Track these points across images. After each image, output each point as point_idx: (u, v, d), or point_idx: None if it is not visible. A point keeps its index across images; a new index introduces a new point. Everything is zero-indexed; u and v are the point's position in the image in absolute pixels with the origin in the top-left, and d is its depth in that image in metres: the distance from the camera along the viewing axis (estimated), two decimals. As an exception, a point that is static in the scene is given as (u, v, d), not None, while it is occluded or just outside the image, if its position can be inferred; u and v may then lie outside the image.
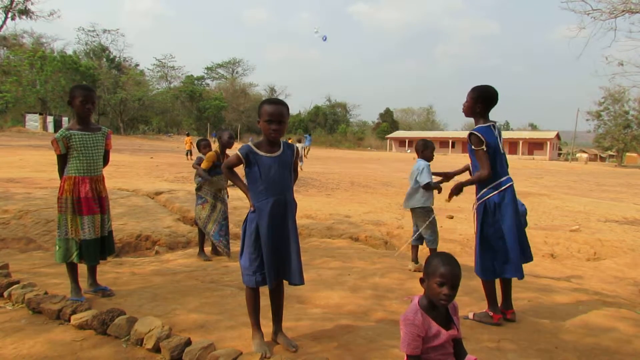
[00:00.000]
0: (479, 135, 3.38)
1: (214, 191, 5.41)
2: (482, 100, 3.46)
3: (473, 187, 3.61)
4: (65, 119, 41.83)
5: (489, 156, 3.39)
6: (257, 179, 2.74)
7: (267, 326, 2.93)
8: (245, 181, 2.84)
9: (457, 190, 3.61)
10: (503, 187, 3.43)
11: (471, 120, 3.62)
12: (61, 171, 3.63)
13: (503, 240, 3.41)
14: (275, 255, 2.76)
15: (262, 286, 2.80)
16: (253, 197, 2.77)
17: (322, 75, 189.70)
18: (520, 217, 3.62)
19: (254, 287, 2.81)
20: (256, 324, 2.84)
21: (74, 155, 3.57)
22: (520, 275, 3.45)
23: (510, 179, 3.50)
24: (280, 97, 74.81)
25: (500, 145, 3.49)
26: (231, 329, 3.05)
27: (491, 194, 3.43)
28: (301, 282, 2.83)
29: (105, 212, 3.78)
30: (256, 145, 2.78)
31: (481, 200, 3.48)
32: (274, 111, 2.71)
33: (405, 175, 21.60)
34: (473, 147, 3.42)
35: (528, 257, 3.58)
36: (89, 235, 3.61)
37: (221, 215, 5.42)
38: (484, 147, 3.36)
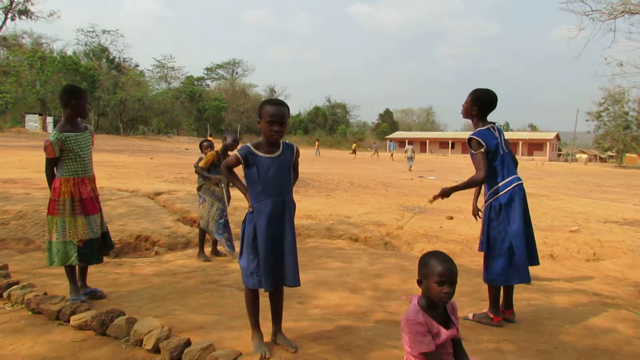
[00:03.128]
0: (478, 139, 3.38)
1: (212, 190, 5.43)
2: (479, 103, 3.46)
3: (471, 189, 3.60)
4: (65, 120, 41.67)
5: (489, 159, 3.38)
6: (255, 179, 2.74)
7: (266, 327, 2.93)
8: (244, 182, 2.85)
9: (444, 194, 3.51)
10: (510, 187, 3.41)
11: (469, 120, 3.62)
12: (51, 173, 3.58)
13: (510, 244, 3.37)
14: (273, 257, 2.74)
15: (261, 288, 2.79)
16: (252, 198, 2.77)
17: (322, 75, 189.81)
18: (530, 218, 3.60)
19: (253, 288, 2.81)
20: (255, 325, 2.84)
21: (70, 157, 3.52)
22: (528, 280, 3.44)
23: (518, 179, 3.47)
24: (280, 98, 74.93)
25: (503, 146, 3.48)
26: (231, 330, 3.05)
27: (497, 195, 3.41)
28: (296, 283, 2.81)
29: (100, 209, 3.80)
30: (255, 145, 2.77)
31: (487, 202, 3.47)
32: (276, 112, 2.69)
33: (405, 175, 21.57)
34: (472, 151, 3.42)
35: (534, 261, 3.57)
36: (93, 234, 3.62)
37: (218, 213, 5.43)
38: (482, 150, 3.36)
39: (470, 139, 3.42)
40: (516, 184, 3.44)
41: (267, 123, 2.70)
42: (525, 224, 3.43)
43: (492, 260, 3.43)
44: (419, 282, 2.11)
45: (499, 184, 3.42)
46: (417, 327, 2.00)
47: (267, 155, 2.75)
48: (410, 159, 24.62)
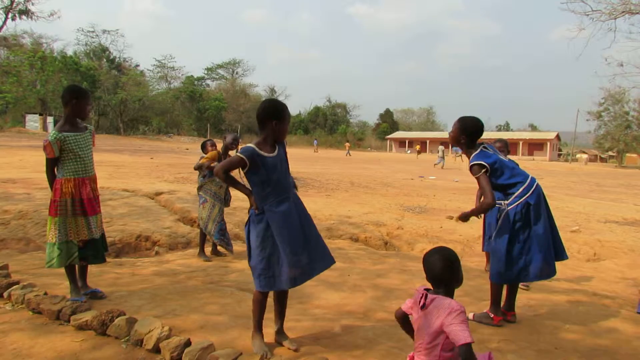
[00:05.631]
0: (478, 164, 3.38)
1: (214, 190, 5.42)
2: (467, 132, 3.47)
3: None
4: (65, 120, 41.64)
5: (498, 173, 3.41)
6: (264, 181, 2.71)
7: (267, 326, 2.92)
8: (243, 182, 2.82)
9: (463, 218, 3.53)
10: (532, 189, 3.45)
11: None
12: (51, 174, 3.56)
13: (532, 244, 3.41)
14: (298, 254, 2.72)
15: (277, 289, 2.77)
16: (259, 200, 2.73)
17: (322, 75, 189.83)
18: (552, 216, 3.62)
19: (264, 291, 2.77)
20: (259, 325, 2.83)
21: (70, 157, 3.51)
22: (554, 272, 3.50)
23: (534, 179, 3.53)
24: (280, 98, 75.12)
25: (500, 156, 3.52)
26: (231, 330, 3.05)
27: (521, 200, 3.42)
28: (333, 261, 2.93)
29: (100, 210, 3.80)
30: (258, 146, 2.75)
31: (512, 206, 3.45)
32: (289, 113, 2.87)
33: (406, 175, 21.51)
34: (475, 175, 3.41)
35: (561, 254, 3.61)
36: (92, 235, 3.63)
37: (220, 214, 5.43)
38: (484, 171, 3.35)
39: (471, 167, 3.41)
40: (536, 183, 3.49)
41: (288, 124, 2.82)
42: (549, 222, 3.51)
43: (507, 260, 3.43)
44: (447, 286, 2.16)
45: (521, 190, 3.44)
46: (465, 315, 1.99)
47: (271, 155, 2.75)
48: (442, 158, 27.51)
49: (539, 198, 3.46)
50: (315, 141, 54.44)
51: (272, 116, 2.76)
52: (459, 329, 1.92)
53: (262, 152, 2.73)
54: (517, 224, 3.42)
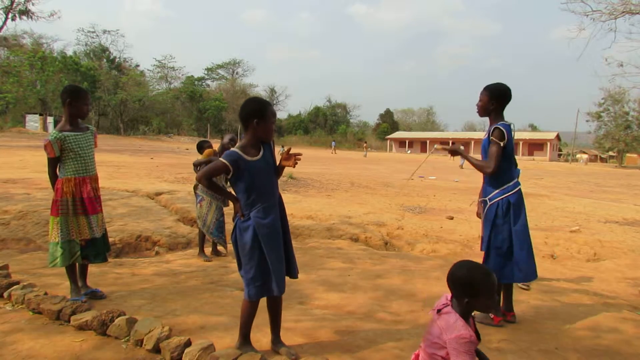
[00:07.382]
0: (503, 130, 3.34)
1: None
2: (497, 97, 3.42)
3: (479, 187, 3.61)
4: (65, 120, 41.64)
5: (503, 156, 3.38)
6: (248, 187, 2.63)
7: (261, 331, 2.92)
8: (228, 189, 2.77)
9: (453, 150, 3.46)
10: (517, 188, 3.46)
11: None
12: (53, 174, 3.58)
13: (510, 243, 3.41)
14: (282, 261, 2.72)
15: (269, 295, 2.72)
16: (245, 207, 2.67)
17: (322, 75, 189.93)
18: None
19: (256, 300, 2.72)
20: (248, 335, 2.77)
21: (70, 156, 3.53)
22: (535, 276, 3.48)
23: (519, 182, 3.54)
24: (281, 98, 75.12)
25: (513, 145, 3.51)
26: (231, 330, 3.05)
27: (507, 194, 3.43)
28: (297, 275, 2.89)
29: (102, 210, 3.80)
30: (243, 150, 2.65)
31: (493, 201, 3.47)
32: (275, 112, 2.77)
33: (406, 175, 21.52)
34: (494, 139, 3.35)
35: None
36: (97, 233, 3.65)
37: (218, 211, 5.44)
38: (502, 143, 3.33)
39: (495, 128, 3.35)
40: (519, 186, 3.51)
41: (272, 123, 2.72)
42: (526, 223, 3.50)
43: (492, 258, 3.46)
44: (468, 300, 1.96)
45: (509, 184, 3.45)
46: (472, 346, 1.89)
47: (255, 159, 2.66)
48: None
49: (520, 198, 3.46)
50: (333, 142, 54.67)
51: (252, 115, 2.66)
52: (460, 358, 1.87)
53: (246, 157, 2.63)
54: (498, 220, 3.43)
